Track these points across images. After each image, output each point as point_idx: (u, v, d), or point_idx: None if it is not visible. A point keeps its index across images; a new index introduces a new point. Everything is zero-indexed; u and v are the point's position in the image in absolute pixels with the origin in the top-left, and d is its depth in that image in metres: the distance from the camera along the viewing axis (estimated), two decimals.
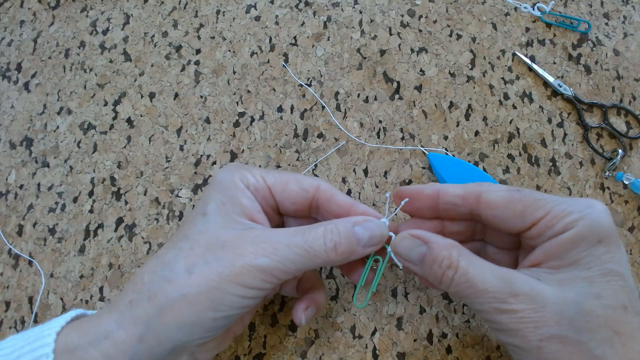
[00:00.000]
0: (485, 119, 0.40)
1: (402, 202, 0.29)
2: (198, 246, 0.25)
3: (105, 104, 0.42)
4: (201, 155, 0.40)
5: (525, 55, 0.41)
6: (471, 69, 0.41)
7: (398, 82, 0.41)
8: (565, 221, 0.23)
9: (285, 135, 0.40)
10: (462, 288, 0.24)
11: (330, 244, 0.25)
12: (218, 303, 0.24)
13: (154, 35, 0.44)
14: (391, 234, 0.28)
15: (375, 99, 0.41)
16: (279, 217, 0.30)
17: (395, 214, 0.37)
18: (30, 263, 0.38)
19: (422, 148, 0.39)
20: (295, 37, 0.43)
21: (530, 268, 0.24)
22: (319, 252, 0.25)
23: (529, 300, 0.22)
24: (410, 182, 0.38)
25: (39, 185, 0.40)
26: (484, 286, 0.23)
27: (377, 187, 0.38)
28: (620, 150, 0.37)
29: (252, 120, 0.40)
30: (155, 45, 0.44)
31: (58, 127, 0.41)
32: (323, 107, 0.40)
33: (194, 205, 0.38)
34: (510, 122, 0.40)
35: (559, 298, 0.22)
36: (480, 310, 0.24)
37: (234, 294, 0.24)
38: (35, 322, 0.36)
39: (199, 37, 0.43)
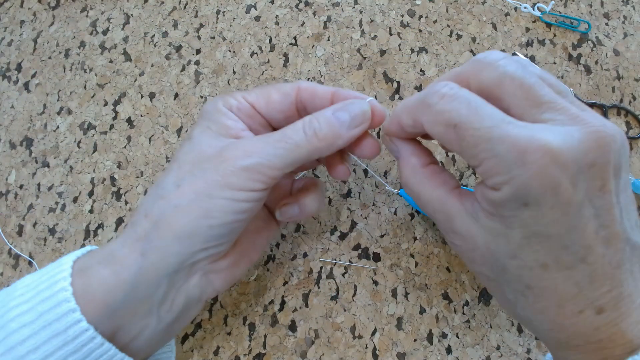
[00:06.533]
0: None
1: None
2: (185, 164, 0.26)
3: (105, 104, 0.42)
4: None
5: (525, 55, 0.41)
6: None
7: (398, 82, 0.41)
8: (493, 181, 0.21)
9: None
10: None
11: (309, 131, 0.25)
12: (209, 210, 0.24)
13: (154, 35, 0.44)
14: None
15: (375, 99, 0.40)
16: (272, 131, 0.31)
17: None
18: (30, 263, 0.38)
19: None
20: (295, 37, 0.43)
21: (473, 201, 0.24)
22: (300, 142, 0.25)
23: (463, 240, 0.24)
24: None
25: (39, 185, 0.40)
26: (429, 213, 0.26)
27: (377, 187, 0.38)
28: None
29: None
30: (155, 45, 0.44)
31: (58, 127, 0.41)
32: None
33: None
34: None
35: (485, 246, 0.23)
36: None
37: (224, 197, 0.24)
38: None
39: (199, 37, 0.43)
